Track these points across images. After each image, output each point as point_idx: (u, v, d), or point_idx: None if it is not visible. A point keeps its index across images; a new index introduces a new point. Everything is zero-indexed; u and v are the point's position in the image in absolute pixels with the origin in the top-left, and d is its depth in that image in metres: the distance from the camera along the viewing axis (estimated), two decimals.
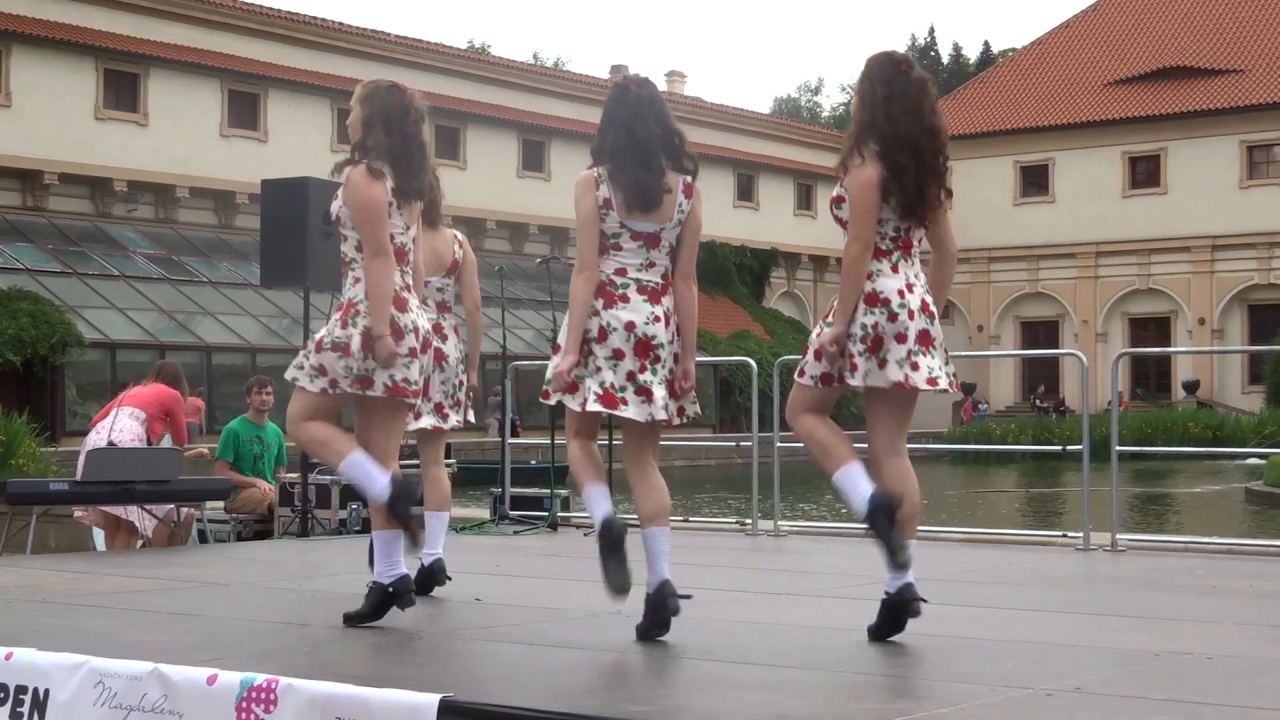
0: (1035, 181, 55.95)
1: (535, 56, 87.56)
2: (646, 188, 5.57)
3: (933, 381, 5.53)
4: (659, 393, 5.56)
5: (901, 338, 5.48)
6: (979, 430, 46.13)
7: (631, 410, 5.53)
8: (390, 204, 6.01)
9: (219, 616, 6.57)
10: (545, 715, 4.21)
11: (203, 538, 10.96)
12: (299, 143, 39.34)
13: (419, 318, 6.04)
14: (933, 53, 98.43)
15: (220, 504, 11.41)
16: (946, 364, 5.61)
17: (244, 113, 39.72)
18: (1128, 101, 54.17)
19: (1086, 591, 7.83)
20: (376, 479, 5.99)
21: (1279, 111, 51.11)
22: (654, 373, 5.55)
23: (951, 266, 5.77)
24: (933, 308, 5.59)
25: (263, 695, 4.55)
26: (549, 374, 5.63)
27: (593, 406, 5.54)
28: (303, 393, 6.04)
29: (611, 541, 5.48)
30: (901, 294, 5.50)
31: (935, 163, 5.54)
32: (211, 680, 4.67)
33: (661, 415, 5.57)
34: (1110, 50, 56.97)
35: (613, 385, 5.52)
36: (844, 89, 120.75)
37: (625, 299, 5.56)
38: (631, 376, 5.53)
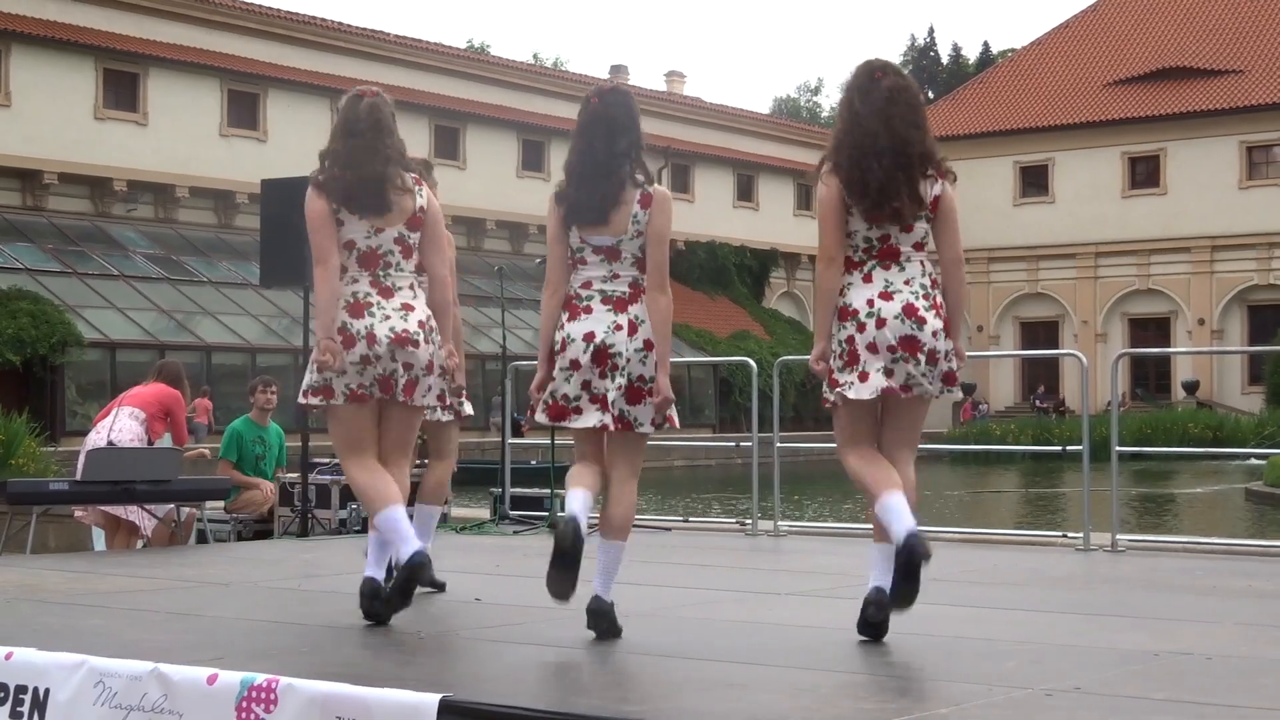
0: (1035, 182, 55.95)
1: (535, 56, 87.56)
2: (577, 205, 5.70)
3: (906, 388, 5.55)
4: (613, 398, 5.59)
5: (873, 347, 5.51)
6: (979, 430, 46.11)
7: (582, 420, 5.63)
8: (338, 210, 5.99)
9: (219, 616, 6.57)
10: (544, 715, 4.22)
11: (202, 538, 10.95)
12: (299, 142, 39.28)
13: (380, 323, 5.95)
14: (932, 53, 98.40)
15: (220, 504, 11.40)
16: (934, 366, 5.57)
17: (244, 112, 39.74)
18: (1127, 102, 54.16)
19: (1086, 592, 7.83)
20: (403, 542, 5.94)
21: (1278, 112, 51.10)
22: (611, 379, 5.60)
23: (955, 274, 5.69)
24: (922, 312, 5.53)
25: (263, 695, 4.55)
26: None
27: (539, 419, 5.70)
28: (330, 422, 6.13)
29: (560, 549, 5.54)
30: (871, 303, 5.53)
31: (904, 159, 5.50)
32: (211, 680, 4.67)
33: (609, 422, 5.59)
34: (1110, 51, 56.96)
35: (564, 397, 5.65)
36: (843, 89, 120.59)
37: (589, 310, 5.64)
38: (587, 385, 5.62)
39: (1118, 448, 9.92)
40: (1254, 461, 30.44)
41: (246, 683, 4.60)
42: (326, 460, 11.60)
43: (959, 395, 5.86)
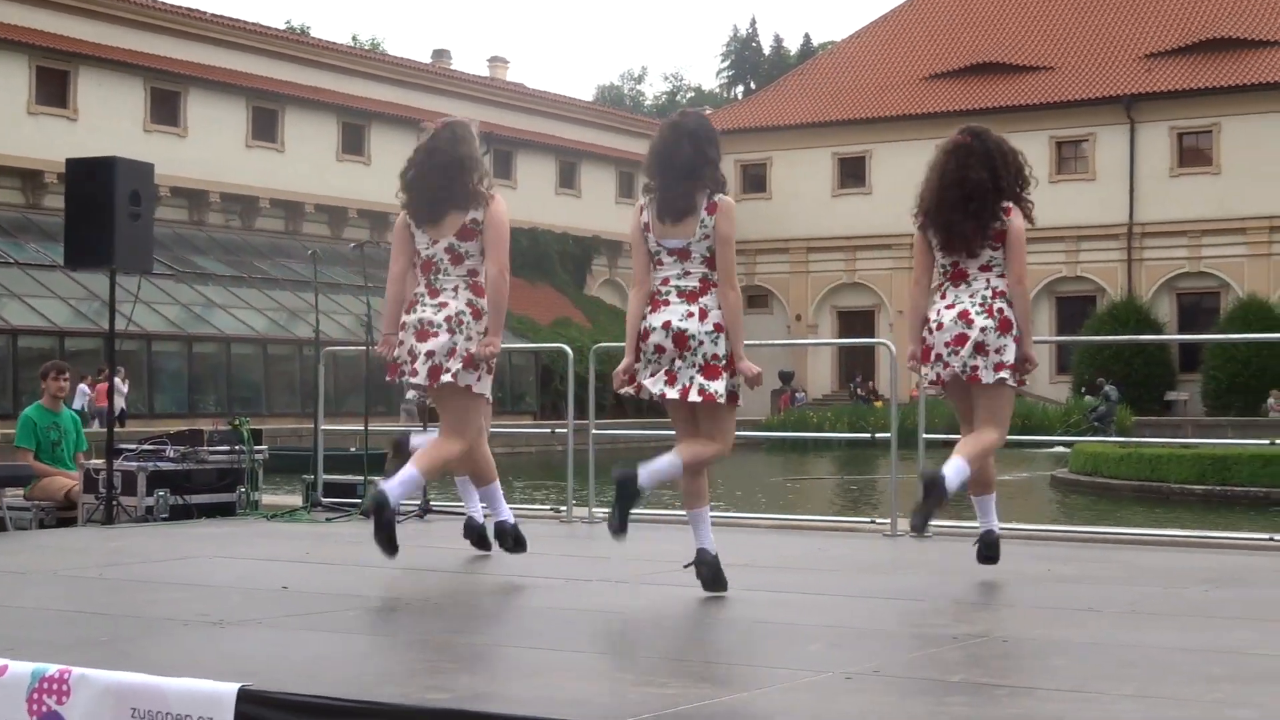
0: (853, 173, 56.74)
1: (354, 39, 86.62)
2: (668, 199, 6.49)
3: (974, 379, 6.99)
4: (683, 376, 6.42)
5: (930, 349, 7.10)
6: (796, 418, 46.66)
7: (653, 385, 6.47)
8: (408, 225, 7.14)
9: (16, 606, 6.39)
10: (344, 704, 4.17)
11: (1, 526, 10.65)
12: (110, 122, 38.48)
13: (412, 315, 7.06)
14: (754, 43, 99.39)
15: (20, 491, 11.09)
16: (984, 356, 6.96)
17: (53, 90, 38.69)
18: (943, 96, 55.13)
19: (892, 577, 7.96)
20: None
21: (1087, 108, 52.47)
22: (686, 361, 6.42)
23: (1015, 292, 7.04)
24: (973, 315, 6.99)
25: (54, 686, 4.44)
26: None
27: (670, 394, 6.44)
28: None
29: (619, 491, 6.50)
30: (939, 312, 7.11)
31: (962, 208, 6.99)
32: (1, 672, 4.54)
33: (674, 394, 6.42)
34: (926, 46, 57.99)
35: (652, 379, 6.48)
36: (666, 78, 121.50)
37: (666, 303, 6.49)
38: (667, 367, 6.44)
39: (925, 435, 10.08)
40: (1060, 449, 31.25)
41: (38, 674, 4.48)
42: (133, 446, 11.36)
43: (1014, 383, 7.04)
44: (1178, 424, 45.26)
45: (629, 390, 6.59)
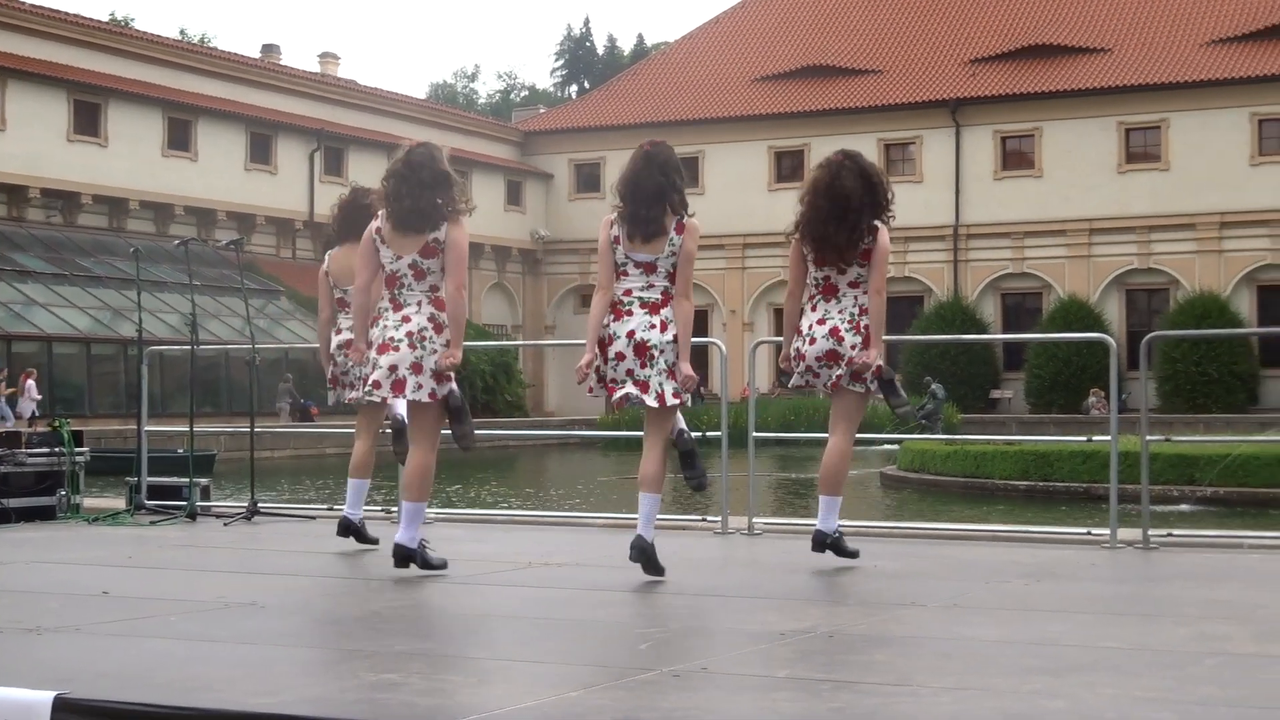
0: (685, 173, 57.02)
1: (182, 32, 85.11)
2: (640, 221, 7.18)
3: (835, 385, 7.74)
4: (654, 383, 7.17)
5: (803, 356, 7.73)
6: (630, 418, 46.71)
7: (621, 392, 7.22)
8: (374, 239, 7.44)
9: None
10: (163, 711, 4.10)
11: None
12: None
13: (379, 332, 7.40)
14: (588, 43, 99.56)
15: None
16: (841, 367, 7.65)
17: None
18: (773, 98, 55.70)
19: (721, 574, 8.03)
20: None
21: (914, 111, 53.36)
22: (651, 367, 7.15)
23: (873, 301, 7.65)
24: (843, 333, 7.63)
25: None
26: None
27: (599, 393, 7.33)
28: None
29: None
30: (810, 326, 7.73)
31: (837, 218, 7.49)
32: None
33: (652, 402, 7.21)
34: (757, 48, 58.50)
35: (613, 380, 7.24)
36: (500, 76, 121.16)
37: (630, 313, 7.21)
38: (630, 372, 7.18)
39: (755, 433, 10.20)
40: (889, 446, 31.69)
41: None
42: None
43: (874, 388, 7.87)
44: (1002, 421, 46.23)
45: (591, 384, 7.29)
